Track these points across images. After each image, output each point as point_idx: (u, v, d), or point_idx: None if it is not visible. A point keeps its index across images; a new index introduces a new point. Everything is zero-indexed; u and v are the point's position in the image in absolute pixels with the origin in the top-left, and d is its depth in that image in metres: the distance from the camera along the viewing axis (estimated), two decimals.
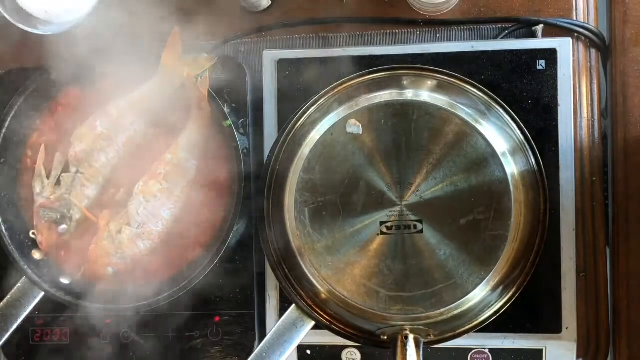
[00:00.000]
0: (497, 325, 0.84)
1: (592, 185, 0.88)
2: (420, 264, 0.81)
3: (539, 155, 0.84)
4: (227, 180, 0.87)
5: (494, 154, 0.81)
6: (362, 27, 0.92)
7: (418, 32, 0.92)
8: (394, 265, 0.82)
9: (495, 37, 0.90)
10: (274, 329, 0.84)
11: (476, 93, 0.85)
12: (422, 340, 0.81)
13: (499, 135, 0.82)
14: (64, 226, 0.87)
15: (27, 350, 0.93)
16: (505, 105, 0.85)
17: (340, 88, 0.87)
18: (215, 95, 0.87)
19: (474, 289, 0.80)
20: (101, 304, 0.87)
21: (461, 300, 0.81)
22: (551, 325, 0.85)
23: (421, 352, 0.80)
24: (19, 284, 0.88)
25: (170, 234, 0.86)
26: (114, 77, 0.88)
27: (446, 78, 0.86)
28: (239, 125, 0.89)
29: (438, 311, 0.81)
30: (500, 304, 0.83)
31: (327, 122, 0.83)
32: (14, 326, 0.88)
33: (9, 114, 0.89)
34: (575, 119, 0.87)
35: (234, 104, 0.89)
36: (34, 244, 0.89)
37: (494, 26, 0.90)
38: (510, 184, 0.81)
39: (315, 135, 0.83)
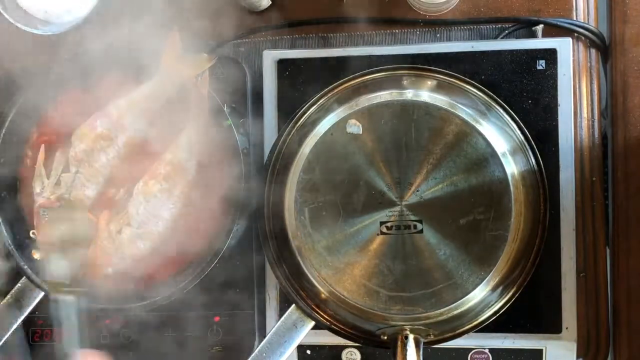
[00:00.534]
0: (497, 325, 0.84)
1: (592, 185, 0.88)
2: (420, 264, 0.81)
3: (539, 155, 0.84)
4: (227, 179, 0.86)
5: (494, 154, 0.81)
6: (362, 27, 0.92)
7: (418, 32, 0.92)
8: (394, 265, 0.82)
9: (495, 37, 0.90)
10: (274, 329, 0.84)
11: (476, 93, 0.85)
12: (422, 340, 0.81)
13: (499, 135, 0.82)
14: (63, 226, 0.87)
15: (27, 350, 0.93)
16: (505, 105, 0.85)
17: (340, 88, 0.87)
18: (215, 95, 0.87)
19: (474, 289, 0.80)
20: (100, 304, 0.86)
21: (461, 300, 0.81)
22: (551, 325, 0.85)
23: (421, 352, 0.80)
24: (19, 284, 0.88)
25: (171, 234, 0.86)
26: (114, 77, 0.88)
27: (446, 78, 0.86)
28: (239, 125, 0.89)
29: (438, 311, 0.81)
30: (500, 304, 0.83)
31: (327, 122, 0.83)
32: (14, 326, 0.87)
33: (9, 114, 0.89)
34: (575, 119, 0.87)
35: (234, 104, 0.89)
36: (34, 244, 0.89)
37: (494, 26, 0.90)
38: (510, 184, 0.80)
39: (315, 135, 0.83)
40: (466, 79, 0.85)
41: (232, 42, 0.93)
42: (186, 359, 0.90)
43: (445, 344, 0.84)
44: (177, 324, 0.90)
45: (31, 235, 0.89)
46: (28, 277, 0.87)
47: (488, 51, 0.87)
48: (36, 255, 0.88)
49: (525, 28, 0.89)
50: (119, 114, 0.87)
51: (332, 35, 0.92)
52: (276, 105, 0.89)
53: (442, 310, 0.81)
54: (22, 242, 0.89)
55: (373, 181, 0.82)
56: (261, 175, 0.87)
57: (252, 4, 0.92)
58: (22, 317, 0.88)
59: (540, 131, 0.86)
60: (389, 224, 0.82)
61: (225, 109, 0.89)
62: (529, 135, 0.84)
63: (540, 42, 0.87)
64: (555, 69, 0.86)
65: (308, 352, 0.88)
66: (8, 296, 0.88)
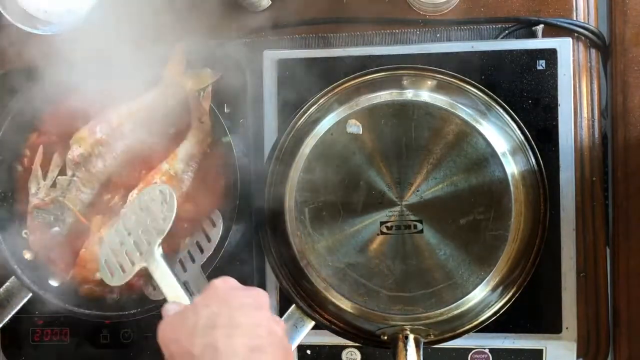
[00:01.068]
0: (497, 325, 0.84)
1: (592, 185, 0.88)
2: (420, 264, 0.81)
3: (539, 155, 0.84)
4: (224, 192, 0.86)
5: (494, 154, 0.81)
6: (362, 27, 0.92)
7: (418, 32, 0.92)
8: (394, 265, 0.82)
9: (495, 37, 0.90)
10: None
11: (476, 93, 0.85)
12: (422, 340, 0.81)
13: (499, 135, 0.82)
14: (56, 228, 0.87)
15: (27, 350, 0.93)
16: (505, 105, 0.85)
17: (340, 88, 0.87)
18: (217, 111, 0.87)
19: (474, 289, 0.80)
20: (105, 311, 0.87)
21: (461, 300, 0.81)
22: (551, 325, 0.85)
23: (421, 352, 0.80)
24: (7, 284, 0.87)
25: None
26: (115, 81, 0.88)
27: (446, 78, 0.86)
28: (239, 125, 0.89)
29: (438, 311, 0.81)
30: (500, 304, 0.83)
31: (327, 122, 0.83)
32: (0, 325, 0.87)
33: (8, 113, 0.89)
34: (575, 119, 0.87)
35: (233, 104, 0.89)
36: (26, 244, 0.88)
37: (494, 26, 0.90)
38: (510, 184, 0.81)
39: (315, 135, 0.83)
40: (466, 79, 0.85)
41: (232, 42, 0.93)
42: None
43: (445, 344, 0.84)
44: None
45: (23, 235, 0.88)
46: (17, 277, 0.87)
47: (488, 51, 0.87)
48: (27, 255, 0.88)
49: (525, 28, 0.89)
50: (119, 121, 0.87)
51: (332, 35, 0.92)
52: (276, 105, 0.89)
53: (442, 310, 0.81)
54: (14, 241, 0.88)
55: (373, 181, 0.82)
56: (261, 175, 0.87)
57: (252, 4, 0.92)
58: (8, 318, 0.87)
59: (540, 131, 0.86)
60: (389, 224, 0.82)
61: (225, 109, 0.89)
62: (529, 135, 0.84)
63: (540, 42, 0.87)
64: (555, 69, 0.86)
65: (308, 352, 0.88)
66: None
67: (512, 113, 0.85)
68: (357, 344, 0.87)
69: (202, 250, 0.85)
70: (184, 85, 0.88)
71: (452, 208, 0.81)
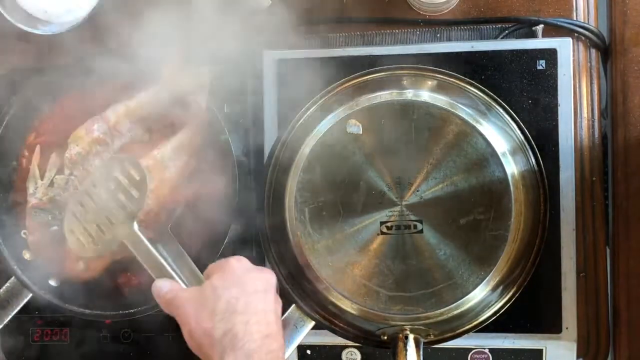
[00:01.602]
0: (497, 325, 0.84)
1: (592, 185, 0.88)
2: (420, 264, 0.81)
3: (539, 155, 0.84)
4: (222, 189, 0.86)
5: (494, 154, 0.81)
6: (362, 27, 0.92)
7: (418, 32, 0.92)
8: (394, 265, 0.82)
9: (495, 37, 0.90)
10: None
11: (476, 93, 0.85)
12: (422, 340, 0.81)
13: (499, 135, 0.82)
14: (55, 228, 0.87)
15: (27, 350, 0.93)
16: (505, 105, 0.85)
17: (340, 88, 0.87)
18: (216, 111, 0.87)
19: (474, 289, 0.80)
20: (108, 310, 0.87)
21: (461, 300, 0.81)
22: (551, 325, 0.85)
23: (421, 352, 0.80)
24: (7, 284, 0.87)
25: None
26: (113, 81, 0.88)
27: (446, 78, 0.86)
28: (239, 125, 0.89)
29: (438, 311, 0.81)
30: (500, 304, 0.83)
31: (327, 122, 0.83)
32: (0, 326, 0.87)
33: (7, 113, 0.89)
34: (575, 119, 0.87)
35: (233, 104, 0.89)
36: (25, 244, 0.88)
37: (494, 26, 0.90)
38: (510, 184, 0.80)
39: (315, 135, 0.83)
40: (466, 79, 0.85)
41: (232, 42, 0.93)
42: (186, 359, 0.90)
43: (445, 344, 0.84)
44: (177, 324, 0.90)
45: (22, 235, 0.88)
46: (17, 278, 0.87)
47: (488, 51, 0.87)
48: (26, 255, 0.88)
49: (525, 28, 0.89)
50: (116, 119, 0.87)
51: (332, 35, 0.92)
52: (276, 105, 0.89)
53: (442, 310, 0.81)
54: (13, 241, 0.88)
55: (373, 181, 0.82)
56: (261, 175, 0.87)
57: (252, 4, 0.92)
58: (9, 318, 0.87)
59: (540, 131, 0.85)
60: (389, 224, 0.82)
61: (225, 109, 0.88)
62: (529, 135, 0.84)
63: (540, 42, 0.87)
64: (555, 69, 0.86)
65: (308, 352, 0.88)
66: None
67: (512, 113, 0.85)
68: (357, 344, 0.87)
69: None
70: (182, 84, 0.87)
71: (452, 208, 0.81)
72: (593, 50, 0.90)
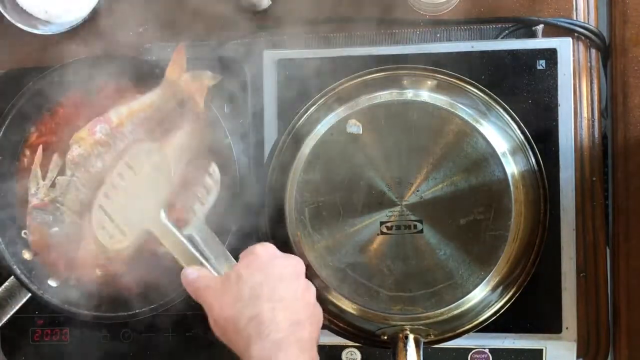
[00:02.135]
0: (497, 325, 0.84)
1: (592, 185, 0.88)
2: (420, 264, 0.81)
3: (539, 155, 0.84)
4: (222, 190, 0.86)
5: (494, 154, 0.81)
6: (362, 27, 0.92)
7: (418, 32, 0.92)
8: (394, 265, 0.82)
9: (495, 37, 0.90)
10: None
11: (476, 93, 0.85)
12: (422, 340, 0.81)
13: (499, 135, 0.82)
14: (55, 228, 0.87)
15: (27, 350, 0.93)
16: (505, 105, 0.85)
17: (340, 88, 0.87)
18: (216, 111, 0.87)
19: (474, 289, 0.80)
20: (95, 309, 0.87)
21: (461, 300, 0.81)
22: (551, 325, 0.85)
23: (421, 352, 0.80)
24: (6, 284, 0.87)
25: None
26: (115, 82, 0.88)
27: (446, 78, 0.86)
28: (239, 125, 0.89)
29: (438, 311, 0.81)
30: (500, 304, 0.83)
31: (327, 122, 0.83)
32: None
33: (9, 113, 0.89)
34: (575, 119, 0.87)
35: (233, 104, 0.89)
36: (25, 244, 0.88)
37: (494, 26, 0.90)
38: (510, 184, 0.81)
39: (315, 135, 0.83)
40: (466, 79, 0.85)
41: (232, 42, 0.93)
42: (186, 359, 0.90)
43: (445, 344, 0.84)
44: (177, 324, 0.90)
45: (22, 235, 0.88)
46: (16, 277, 0.87)
47: (488, 51, 0.87)
48: (26, 255, 0.88)
49: (525, 28, 0.89)
50: (119, 121, 0.87)
51: (332, 35, 0.92)
52: (276, 105, 0.89)
53: (442, 310, 0.81)
54: (14, 241, 0.88)
55: (373, 181, 0.82)
56: (261, 175, 0.87)
57: (252, 4, 0.92)
58: (7, 317, 0.87)
59: (540, 131, 0.85)
60: (389, 224, 0.82)
61: (225, 109, 0.89)
62: (529, 135, 0.84)
63: (540, 42, 0.87)
64: (555, 69, 0.86)
65: None
66: None
67: (512, 113, 0.85)
68: (357, 344, 0.87)
69: (202, 203, 0.83)
70: (184, 87, 0.88)
71: (452, 208, 0.81)
72: (593, 50, 0.90)
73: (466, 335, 0.84)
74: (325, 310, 0.84)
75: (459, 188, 0.81)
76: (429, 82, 0.85)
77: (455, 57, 0.87)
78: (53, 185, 0.87)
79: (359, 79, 0.87)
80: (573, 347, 0.85)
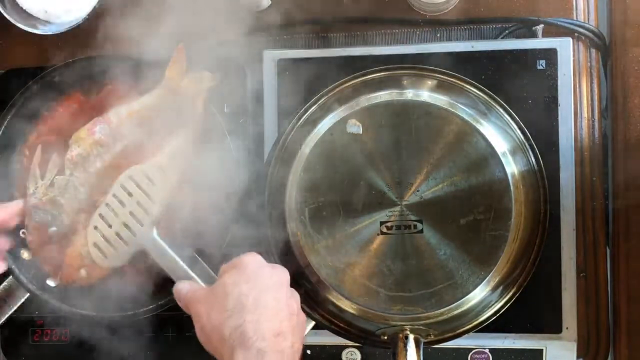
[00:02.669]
0: (497, 325, 0.84)
1: (592, 185, 0.88)
2: (420, 264, 0.81)
3: (539, 155, 0.84)
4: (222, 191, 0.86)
5: (494, 154, 0.81)
6: (362, 27, 0.92)
7: (418, 32, 0.92)
8: (394, 265, 0.82)
9: (495, 37, 0.90)
10: None
11: (476, 93, 0.85)
12: (422, 340, 0.81)
13: (499, 135, 0.82)
14: (54, 228, 0.87)
15: (27, 350, 0.93)
16: (505, 105, 0.85)
17: (340, 88, 0.87)
18: (216, 111, 0.87)
19: (474, 289, 0.80)
20: (95, 309, 0.87)
21: (461, 300, 0.81)
22: (551, 325, 0.85)
23: (421, 352, 0.80)
24: (4, 283, 0.87)
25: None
26: (115, 82, 0.88)
27: (446, 78, 0.86)
28: (240, 124, 0.89)
29: (438, 311, 0.81)
30: (500, 304, 0.83)
31: (327, 122, 0.83)
32: None
33: (8, 113, 0.89)
34: (575, 119, 0.87)
35: (233, 104, 0.89)
36: (24, 244, 0.88)
37: (494, 26, 0.90)
38: (510, 184, 0.81)
39: (315, 135, 0.83)
40: (466, 79, 0.85)
41: (232, 42, 0.93)
42: (186, 359, 0.90)
43: (445, 344, 0.84)
44: (176, 324, 0.90)
45: (21, 234, 0.88)
46: (15, 277, 0.87)
47: (488, 51, 0.87)
48: (24, 254, 0.88)
49: (525, 28, 0.89)
50: (118, 121, 0.87)
51: (332, 35, 0.92)
52: (276, 105, 0.89)
53: (442, 310, 0.81)
54: (12, 240, 0.88)
55: (373, 181, 0.82)
56: (261, 175, 0.87)
57: (252, 4, 0.92)
58: (5, 317, 0.87)
59: (540, 131, 0.85)
60: (389, 224, 0.82)
61: (225, 109, 0.89)
62: (529, 135, 0.84)
63: (540, 42, 0.87)
64: (555, 69, 0.86)
65: (308, 352, 0.88)
66: None
67: (512, 113, 0.85)
68: (357, 344, 0.87)
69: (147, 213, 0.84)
70: (184, 87, 0.88)
71: (452, 208, 0.81)
72: (593, 50, 0.90)
73: (466, 335, 0.84)
74: (325, 310, 0.84)
75: (459, 188, 0.81)
76: (429, 82, 0.85)
77: (455, 57, 0.87)
78: (52, 184, 0.87)
79: (359, 79, 0.87)
80: (573, 347, 0.85)
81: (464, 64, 0.87)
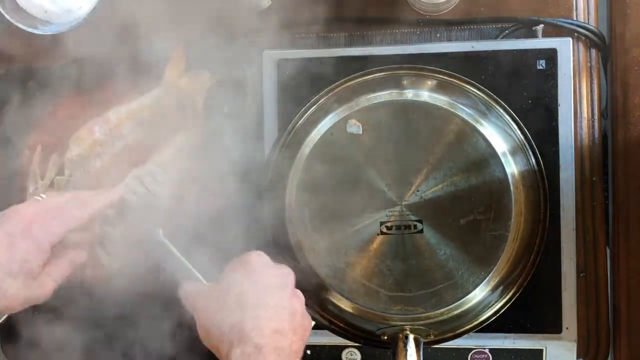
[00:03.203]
0: (497, 325, 0.84)
1: (592, 185, 0.88)
2: (420, 264, 0.81)
3: (539, 155, 0.84)
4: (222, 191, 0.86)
5: (494, 154, 0.81)
6: (362, 27, 0.92)
7: (418, 32, 0.92)
8: (394, 265, 0.82)
9: (495, 37, 0.90)
10: None
11: (476, 93, 0.85)
12: (422, 340, 0.81)
13: (499, 135, 0.82)
14: None
15: (27, 350, 0.92)
16: (505, 105, 0.85)
17: (340, 88, 0.87)
18: (216, 111, 0.87)
19: (474, 289, 0.80)
20: (94, 309, 0.87)
21: (461, 300, 0.81)
22: (551, 325, 0.85)
23: (421, 352, 0.80)
24: None
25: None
26: (114, 82, 0.88)
27: (446, 78, 0.86)
28: (240, 124, 0.89)
29: (438, 311, 0.81)
30: (500, 304, 0.83)
31: (327, 122, 0.83)
32: None
33: (8, 112, 0.89)
34: (575, 119, 0.87)
35: (233, 104, 0.89)
36: None
37: (494, 26, 0.90)
38: (510, 184, 0.81)
39: (315, 135, 0.83)
40: (466, 79, 0.85)
41: (232, 42, 0.93)
42: (186, 358, 0.90)
43: (445, 344, 0.84)
44: (177, 324, 0.90)
45: None
46: None
47: (488, 51, 0.87)
48: None
49: (525, 28, 0.89)
50: (118, 121, 0.87)
51: (332, 35, 0.92)
52: (276, 105, 0.89)
53: (442, 310, 0.81)
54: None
55: (373, 181, 0.82)
56: (261, 175, 0.87)
57: (252, 4, 0.92)
58: (4, 317, 0.87)
59: (540, 131, 0.85)
60: (389, 224, 0.82)
61: (225, 109, 0.89)
62: (529, 135, 0.84)
63: (540, 42, 0.87)
64: (555, 69, 0.86)
65: (308, 352, 0.88)
66: None
67: (512, 113, 0.85)
68: (357, 344, 0.87)
69: None
70: (184, 87, 0.88)
71: (452, 208, 0.81)
72: (593, 50, 0.90)
73: (466, 335, 0.84)
74: (325, 310, 0.84)
75: (459, 188, 0.81)
76: (429, 82, 0.85)
77: (455, 57, 0.87)
78: (52, 184, 0.87)
79: (359, 79, 0.87)
80: (573, 347, 0.85)
81: (463, 64, 0.87)
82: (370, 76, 0.87)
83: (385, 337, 0.83)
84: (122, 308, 0.87)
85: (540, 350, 0.85)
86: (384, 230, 0.82)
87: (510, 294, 0.83)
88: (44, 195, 0.80)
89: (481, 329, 0.84)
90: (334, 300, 0.83)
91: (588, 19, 0.90)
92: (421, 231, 0.82)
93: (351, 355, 0.89)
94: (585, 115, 0.89)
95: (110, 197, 0.81)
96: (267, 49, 0.91)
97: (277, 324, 0.70)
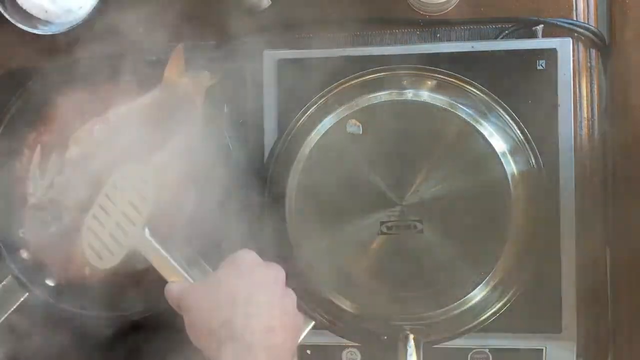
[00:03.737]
0: (497, 325, 0.84)
1: (592, 185, 0.88)
2: (420, 264, 0.81)
3: (539, 155, 0.84)
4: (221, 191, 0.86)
5: (494, 154, 0.81)
6: (362, 27, 0.92)
7: (418, 32, 0.92)
8: (394, 265, 0.82)
9: (495, 37, 0.90)
10: None
11: (476, 93, 0.85)
12: (422, 340, 0.81)
13: (499, 135, 0.82)
14: (53, 228, 0.87)
15: (26, 350, 0.92)
16: (505, 105, 0.85)
17: (340, 88, 0.87)
18: (216, 111, 0.87)
19: (474, 289, 0.80)
20: (94, 309, 0.87)
21: (461, 300, 0.81)
22: (551, 325, 0.85)
23: (421, 352, 0.80)
24: (3, 282, 0.87)
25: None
26: (114, 82, 0.88)
27: (446, 78, 0.86)
28: (240, 124, 0.89)
29: (438, 311, 0.81)
30: (500, 303, 0.83)
31: (327, 122, 0.83)
32: None
33: (8, 112, 0.89)
34: (575, 119, 0.87)
35: (233, 104, 0.89)
36: (23, 244, 0.88)
37: (494, 26, 0.90)
38: (510, 184, 0.81)
39: (315, 135, 0.83)
40: (466, 79, 0.85)
41: (232, 42, 0.93)
42: (185, 358, 0.90)
43: (445, 344, 0.84)
44: (177, 325, 0.90)
45: (20, 234, 0.88)
46: (14, 276, 0.87)
47: (488, 51, 0.87)
48: (24, 254, 0.88)
49: (525, 28, 0.89)
50: (118, 121, 0.87)
51: (332, 35, 0.92)
52: (276, 106, 0.89)
53: (442, 310, 0.81)
54: (11, 240, 0.88)
55: (373, 181, 0.82)
56: (261, 176, 0.87)
57: (252, 4, 0.92)
58: (4, 317, 0.87)
59: (540, 131, 0.85)
60: (389, 224, 0.82)
61: (225, 109, 0.89)
62: (529, 135, 0.84)
63: (540, 42, 0.87)
64: (555, 69, 0.86)
65: (308, 352, 0.88)
66: None
67: (512, 113, 0.85)
68: (357, 344, 0.87)
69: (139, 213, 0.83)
70: (184, 87, 0.88)
71: (452, 208, 0.81)
72: (593, 50, 0.90)
73: (466, 335, 0.84)
74: (325, 310, 0.84)
75: (459, 188, 0.81)
76: (429, 82, 0.85)
77: (455, 57, 0.87)
78: (51, 184, 0.87)
79: (359, 79, 0.87)
80: (573, 347, 0.85)
81: (464, 64, 0.87)
82: (370, 76, 0.87)
83: (385, 337, 0.83)
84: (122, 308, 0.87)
85: (540, 350, 0.85)
86: (384, 230, 0.82)
87: (510, 294, 0.83)
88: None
89: (481, 329, 0.84)
90: (334, 300, 0.83)
91: (588, 19, 0.90)
92: (421, 231, 0.82)
93: (351, 355, 0.89)
94: (585, 115, 0.89)
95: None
96: (267, 49, 0.91)
97: (268, 322, 0.70)
